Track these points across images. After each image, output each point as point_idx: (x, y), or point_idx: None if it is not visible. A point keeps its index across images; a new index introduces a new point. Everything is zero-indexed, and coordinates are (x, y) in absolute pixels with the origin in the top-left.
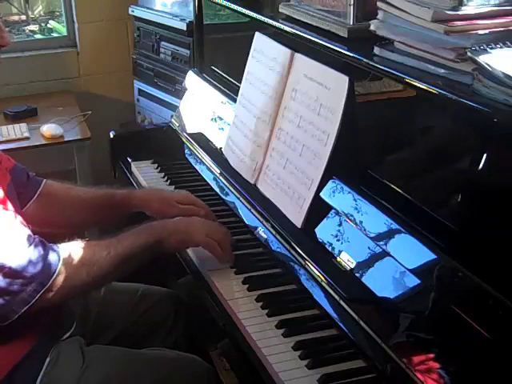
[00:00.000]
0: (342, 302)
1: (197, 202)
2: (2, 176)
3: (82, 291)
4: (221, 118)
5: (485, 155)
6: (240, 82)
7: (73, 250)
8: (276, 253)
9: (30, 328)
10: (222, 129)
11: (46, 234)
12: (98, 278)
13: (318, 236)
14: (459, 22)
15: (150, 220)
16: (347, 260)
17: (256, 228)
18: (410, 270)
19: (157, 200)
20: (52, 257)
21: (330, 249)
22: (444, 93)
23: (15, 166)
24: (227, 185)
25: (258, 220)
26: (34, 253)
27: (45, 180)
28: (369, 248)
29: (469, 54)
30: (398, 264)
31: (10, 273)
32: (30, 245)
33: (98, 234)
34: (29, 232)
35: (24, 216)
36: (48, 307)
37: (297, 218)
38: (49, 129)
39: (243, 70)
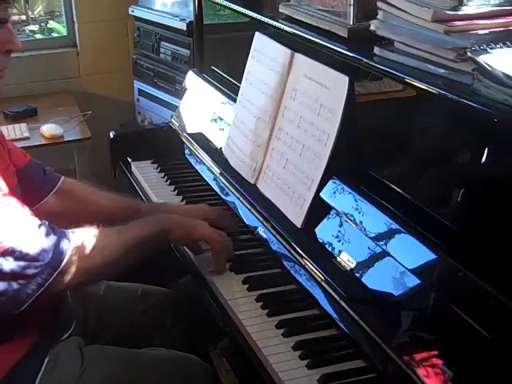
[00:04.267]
0: (342, 302)
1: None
2: (8, 179)
3: (95, 275)
4: (221, 118)
5: (485, 155)
6: (240, 82)
7: (84, 233)
8: (276, 253)
9: (29, 328)
10: (222, 129)
11: (61, 226)
12: (110, 263)
13: (318, 236)
14: (459, 22)
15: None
16: (347, 260)
17: (256, 228)
18: (410, 270)
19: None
20: (64, 240)
21: (330, 249)
22: (444, 93)
23: (31, 161)
24: (227, 185)
25: (258, 220)
26: (45, 236)
27: (63, 177)
28: (369, 248)
29: (469, 54)
30: (398, 264)
31: (22, 256)
32: (41, 228)
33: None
34: (38, 220)
35: (40, 210)
36: (64, 291)
37: (297, 217)
38: (49, 129)
39: (243, 70)
